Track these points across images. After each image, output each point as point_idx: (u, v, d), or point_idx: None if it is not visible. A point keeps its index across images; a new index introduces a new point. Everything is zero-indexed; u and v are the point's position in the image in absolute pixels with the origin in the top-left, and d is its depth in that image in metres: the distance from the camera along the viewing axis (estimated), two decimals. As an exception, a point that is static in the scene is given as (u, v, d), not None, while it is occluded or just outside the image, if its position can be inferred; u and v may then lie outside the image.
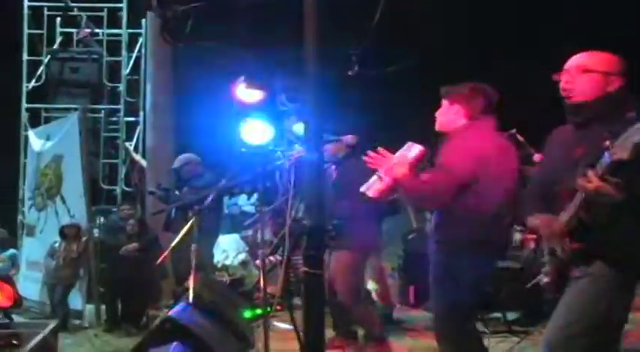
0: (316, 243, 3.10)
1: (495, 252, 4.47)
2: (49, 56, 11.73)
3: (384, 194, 4.36)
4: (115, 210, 10.37)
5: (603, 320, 3.26)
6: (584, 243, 3.24)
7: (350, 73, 3.81)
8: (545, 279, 3.45)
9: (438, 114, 4.49)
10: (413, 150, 4.31)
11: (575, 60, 3.46)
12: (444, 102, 4.47)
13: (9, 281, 6.95)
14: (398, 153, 4.31)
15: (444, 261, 4.26)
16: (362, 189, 4.42)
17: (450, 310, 4.26)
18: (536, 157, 6.16)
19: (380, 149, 4.29)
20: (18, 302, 6.33)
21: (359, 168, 5.02)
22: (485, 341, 4.67)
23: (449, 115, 4.42)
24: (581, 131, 3.37)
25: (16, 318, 7.28)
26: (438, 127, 4.47)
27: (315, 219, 3.14)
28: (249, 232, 11.19)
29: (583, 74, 3.39)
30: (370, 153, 4.30)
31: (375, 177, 4.36)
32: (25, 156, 11.41)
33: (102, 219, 10.35)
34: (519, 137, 6.61)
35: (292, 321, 3.30)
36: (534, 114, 7.98)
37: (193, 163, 8.58)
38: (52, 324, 5.63)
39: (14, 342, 4.78)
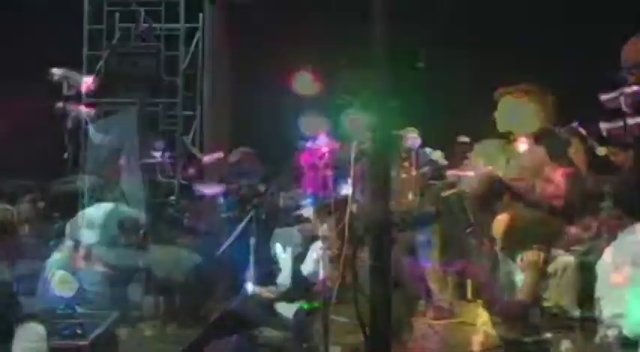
0: (382, 236, 3.07)
1: None
2: (108, 51, 11.90)
3: None
4: (172, 203, 10.48)
5: None
6: None
7: (417, 66, 3.76)
8: None
9: (513, 113, 4.33)
10: None
11: None
12: (522, 101, 4.29)
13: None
14: None
15: None
16: None
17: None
18: (600, 151, 6.04)
19: None
20: (80, 293, 6.43)
21: None
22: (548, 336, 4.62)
23: (534, 115, 4.27)
24: None
25: (77, 309, 7.40)
26: (519, 127, 4.30)
27: (380, 211, 3.10)
28: (306, 226, 11.19)
29: None
30: None
31: None
32: (85, 149, 11.59)
33: (159, 212, 10.45)
34: (582, 130, 6.48)
35: (357, 315, 3.28)
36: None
37: (250, 157, 8.59)
38: (114, 315, 5.70)
39: (78, 332, 4.85)
